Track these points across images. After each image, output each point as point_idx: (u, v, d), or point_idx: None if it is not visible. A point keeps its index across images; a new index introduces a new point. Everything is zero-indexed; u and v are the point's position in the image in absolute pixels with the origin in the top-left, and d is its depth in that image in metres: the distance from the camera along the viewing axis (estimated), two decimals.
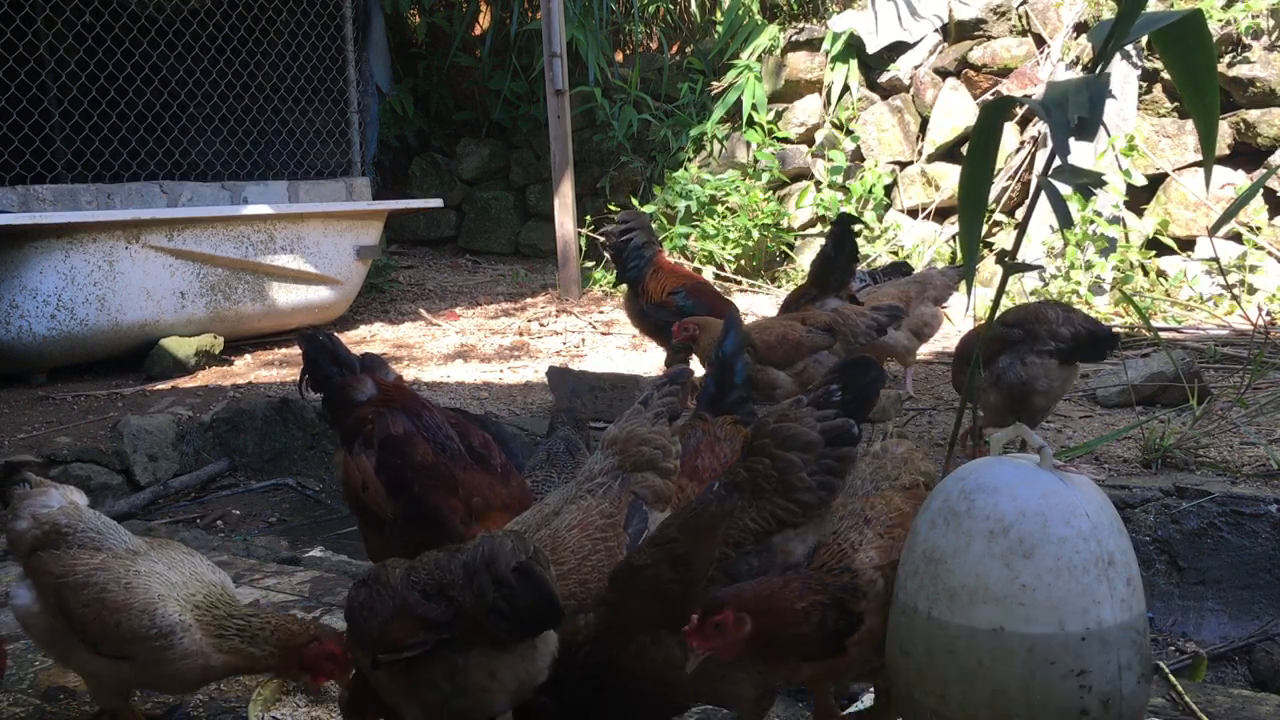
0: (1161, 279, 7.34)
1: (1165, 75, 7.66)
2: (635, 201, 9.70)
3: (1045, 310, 3.94)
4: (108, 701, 2.51)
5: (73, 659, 2.45)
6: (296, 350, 5.53)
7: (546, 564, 2.09)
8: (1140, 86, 7.81)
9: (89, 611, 2.31)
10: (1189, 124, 7.57)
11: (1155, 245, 7.48)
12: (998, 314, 4.30)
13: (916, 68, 9.05)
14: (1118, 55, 7.50)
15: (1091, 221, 7.28)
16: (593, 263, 9.78)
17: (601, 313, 8.35)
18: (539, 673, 2.12)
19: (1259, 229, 7.17)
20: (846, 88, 9.29)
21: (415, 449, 2.73)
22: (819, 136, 9.36)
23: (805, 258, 8.77)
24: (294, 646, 2.35)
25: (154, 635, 2.29)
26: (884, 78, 9.23)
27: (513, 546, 2.05)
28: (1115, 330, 4.02)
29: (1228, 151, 7.46)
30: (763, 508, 2.18)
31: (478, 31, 11.40)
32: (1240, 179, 7.29)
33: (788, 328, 4.42)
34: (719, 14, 10.80)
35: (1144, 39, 5.44)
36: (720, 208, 9.16)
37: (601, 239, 7.00)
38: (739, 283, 8.88)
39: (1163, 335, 6.00)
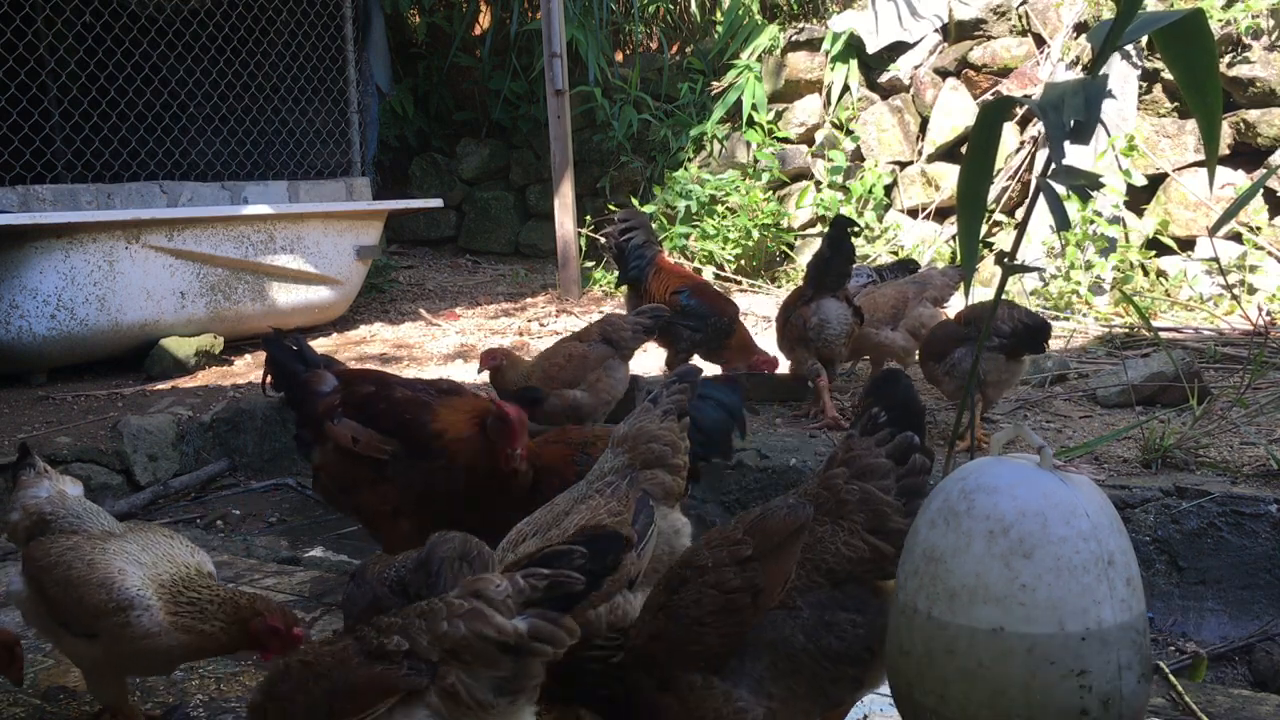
0: (1161, 279, 7.34)
1: (1165, 75, 7.66)
2: (635, 201, 9.70)
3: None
4: (103, 695, 2.53)
5: (55, 641, 2.52)
6: None
7: (483, 566, 2.19)
8: (1140, 86, 7.81)
9: (58, 590, 2.36)
10: (1189, 124, 7.57)
11: (1155, 245, 7.48)
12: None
13: (916, 68, 9.05)
14: (1118, 55, 7.51)
15: (1091, 221, 7.28)
16: (593, 263, 9.78)
17: (601, 313, 8.32)
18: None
19: (1259, 229, 7.17)
20: (846, 88, 9.29)
21: (393, 390, 3.02)
22: (819, 136, 9.36)
23: (805, 258, 8.75)
24: (240, 621, 2.33)
25: (113, 609, 2.30)
26: (884, 78, 9.23)
27: (450, 548, 2.21)
28: (1049, 321, 4.43)
29: (1228, 151, 7.45)
30: (854, 532, 2.01)
31: (478, 31, 11.40)
32: (1240, 179, 7.29)
33: (570, 346, 4.65)
34: (719, 14, 10.80)
35: (1145, 39, 5.44)
36: (720, 208, 9.16)
37: (602, 239, 7.01)
38: (739, 283, 8.88)
39: (1163, 335, 6.00)
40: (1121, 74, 7.68)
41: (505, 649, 1.69)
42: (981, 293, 7.33)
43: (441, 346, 7.32)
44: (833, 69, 9.35)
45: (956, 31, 8.94)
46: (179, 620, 2.32)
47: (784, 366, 5.39)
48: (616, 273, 5.81)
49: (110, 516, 2.62)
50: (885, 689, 2.15)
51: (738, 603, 1.92)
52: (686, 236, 9.16)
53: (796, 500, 2.04)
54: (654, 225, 9.12)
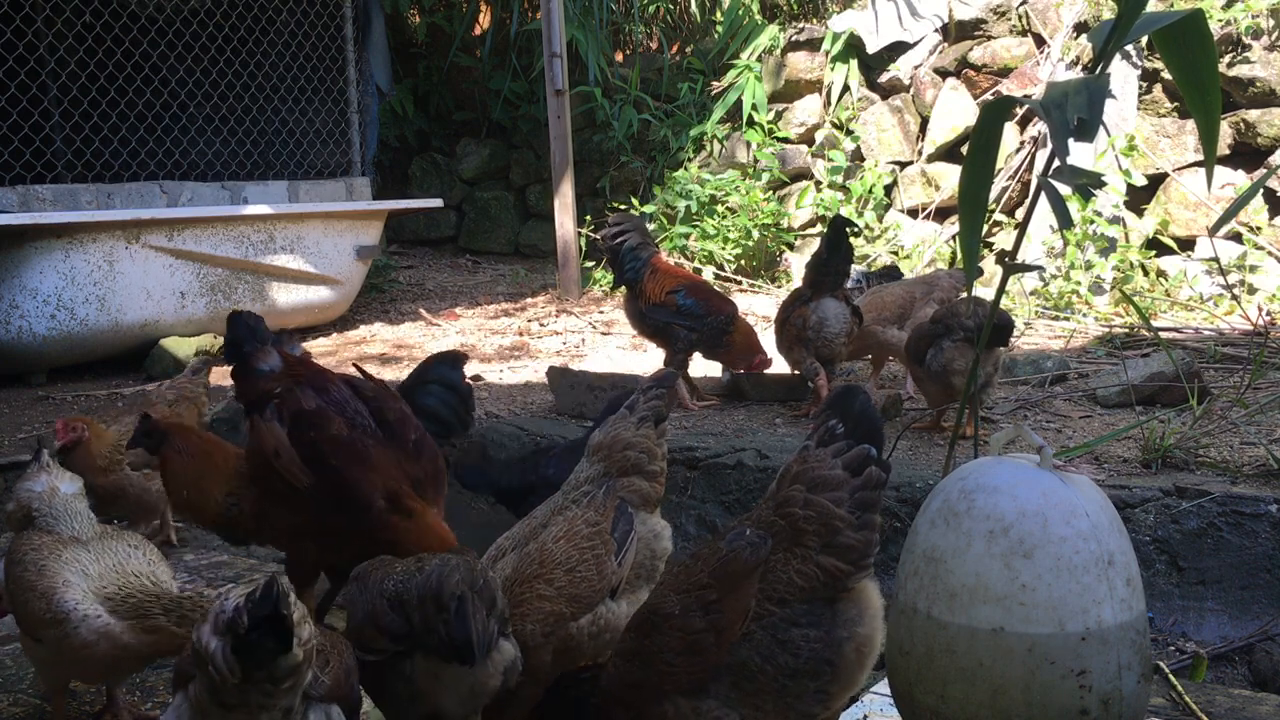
0: (1161, 279, 7.34)
1: (1165, 75, 7.66)
2: (635, 201, 9.70)
3: (959, 306, 4.49)
4: (46, 685, 2.56)
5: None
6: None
7: (490, 598, 2.19)
8: (1140, 86, 7.81)
9: (16, 588, 2.41)
10: (1189, 124, 7.57)
11: (1155, 245, 7.48)
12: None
13: (916, 68, 9.05)
14: (1118, 55, 7.52)
15: (1091, 221, 7.28)
16: (593, 263, 9.78)
17: (601, 313, 8.35)
18: (489, 678, 2.20)
19: (1259, 229, 7.17)
20: (846, 88, 9.29)
21: (330, 423, 2.77)
22: (819, 136, 9.36)
23: (805, 258, 8.76)
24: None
25: (49, 621, 2.31)
26: (884, 78, 9.23)
27: (459, 579, 2.16)
28: (1013, 319, 4.45)
29: (1228, 151, 7.46)
30: (807, 558, 2.01)
31: (478, 31, 11.40)
32: (1240, 179, 7.29)
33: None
34: (719, 14, 10.80)
35: (1144, 39, 5.44)
36: (720, 208, 9.16)
37: (599, 240, 7.01)
38: (739, 283, 8.88)
39: (1163, 335, 5.99)
40: (1121, 74, 7.68)
41: (201, 660, 1.78)
42: (982, 292, 7.33)
43: (442, 347, 7.32)
44: (833, 69, 9.35)
45: (956, 31, 8.94)
46: (145, 622, 2.32)
47: (784, 367, 5.39)
48: (614, 276, 5.81)
49: (90, 520, 2.58)
50: (885, 689, 2.15)
51: (703, 643, 2.00)
52: (686, 236, 9.16)
53: (755, 535, 2.06)
54: (654, 225, 9.15)
